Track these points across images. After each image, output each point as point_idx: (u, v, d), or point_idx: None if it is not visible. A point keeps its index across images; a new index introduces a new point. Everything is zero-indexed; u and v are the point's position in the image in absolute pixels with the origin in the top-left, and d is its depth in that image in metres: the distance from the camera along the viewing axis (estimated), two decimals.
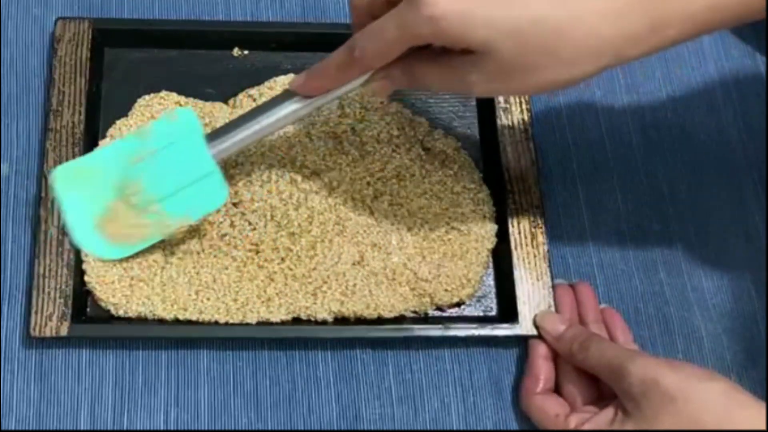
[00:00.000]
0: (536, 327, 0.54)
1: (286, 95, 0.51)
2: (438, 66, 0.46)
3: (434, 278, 0.55)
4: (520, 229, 0.56)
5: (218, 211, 0.55)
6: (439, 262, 0.55)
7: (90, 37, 0.58)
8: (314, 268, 0.55)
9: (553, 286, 0.55)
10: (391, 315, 0.54)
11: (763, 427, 0.44)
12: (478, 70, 0.44)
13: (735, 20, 0.45)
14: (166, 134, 0.53)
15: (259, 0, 0.63)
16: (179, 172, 0.53)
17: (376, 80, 0.49)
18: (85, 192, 0.53)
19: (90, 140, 0.57)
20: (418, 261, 0.55)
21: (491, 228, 0.57)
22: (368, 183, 0.57)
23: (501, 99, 0.60)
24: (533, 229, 0.56)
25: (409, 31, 0.44)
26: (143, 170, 0.53)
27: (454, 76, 0.46)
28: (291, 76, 0.58)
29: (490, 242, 0.57)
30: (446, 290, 0.55)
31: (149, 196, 0.53)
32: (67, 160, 0.55)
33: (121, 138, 0.55)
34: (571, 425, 0.50)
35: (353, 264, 0.55)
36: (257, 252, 0.55)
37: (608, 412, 0.48)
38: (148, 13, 0.62)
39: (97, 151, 0.55)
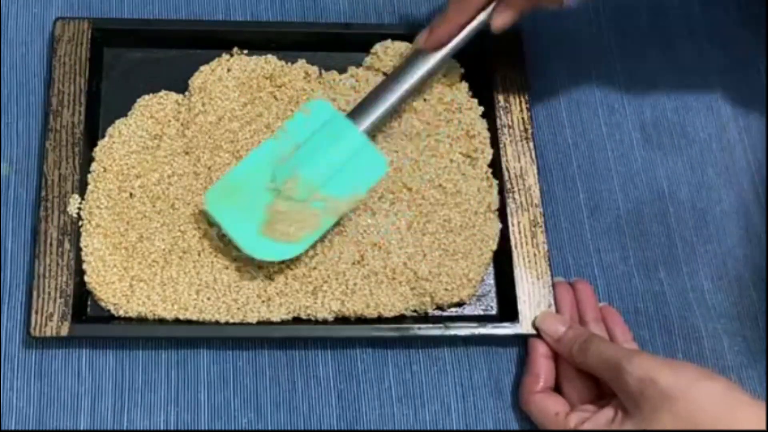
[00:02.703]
0: (536, 328, 0.54)
1: (413, 56, 0.55)
2: None
3: (434, 277, 0.55)
4: (520, 228, 0.56)
5: None
6: (440, 261, 0.55)
7: (89, 37, 0.58)
8: (314, 268, 0.55)
9: (553, 285, 0.55)
10: (392, 314, 0.54)
11: (763, 427, 0.44)
12: None
13: None
14: (304, 128, 0.55)
15: (259, 0, 0.63)
16: (331, 155, 0.54)
17: (498, 12, 0.53)
18: (240, 204, 0.53)
19: (90, 140, 0.57)
20: (418, 260, 0.55)
21: (496, 228, 0.57)
22: None
23: (501, 99, 0.60)
24: (533, 228, 0.56)
25: None
26: (294, 165, 0.54)
27: None
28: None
29: (494, 242, 0.57)
30: (446, 290, 0.55)
31: (309, 186, 0.53)
32: (67, 160, 0.55)
33: (257, 147, 0.56)
34: (571, 424, 0.50)
35: (353, 263, 0.55)
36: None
37: (608, 412, 0.48)
38: (148, 13, 0.62)
39: (239, 164, 0.55)
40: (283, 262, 0.54)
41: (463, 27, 0.54)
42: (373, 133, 0.56)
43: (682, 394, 0.45)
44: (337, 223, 0.55)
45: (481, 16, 0.54)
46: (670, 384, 0.45)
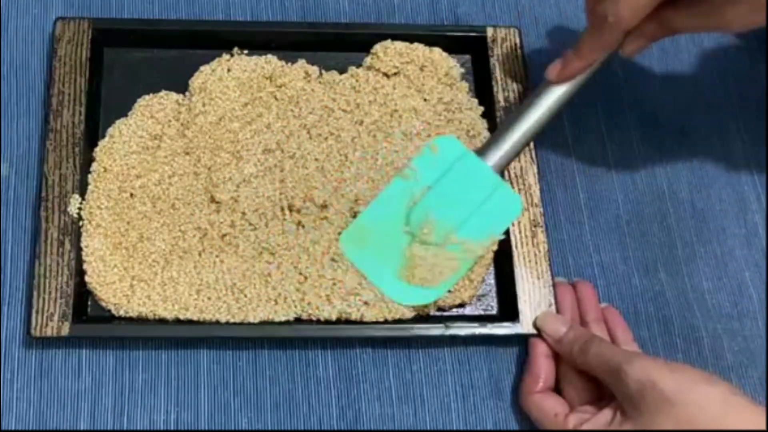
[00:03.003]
0: (537, 329, 0.54)
1: (542, 88, 0.54)
2: (695, 8, 0.48)
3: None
4: (520, 228, 0.56)
5: (218, 211, 0.55)
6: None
7: (90, 37, 0.58)
8: (318, 268, 0.55)
9: (554, 285, 0.55)
10: (396, 317, 0.54)
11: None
12: (735, 3, 0.45)
13: None
14: (434, 167, 0.55)
15: (259, 0, 0.63)
16: (465, 195, 0.54)
17: (631, 41, 0.51)
18: (375, 247, 0.54)
19: (90, 140, 0.57)
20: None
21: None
22: (372, 181, 0.57)
23: (501, 98, 0.60)
24: (533, 228, 0.56)
25: None
26: (428, 207, 0.54)
27: (712, 15, 0.48)
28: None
29: (495, 244, 0.57)
30: (449, 291, 0.55)
31: (445, 229, 0.53)
32: (67, 160, 0.55)
33: (387, 186, 0.56)
34: (570, 425, 0.50)
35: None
36: (260, 253, 0.55)
37: (607, 413, 0.48)
38: (148, 13, 0.62)
39: (370, 205, 0.55)
40: (284, 261, 0.54)
41: (597, 57, 0.53)
42: (503, 169, 0.55)
43: (682, 398, 0.45)
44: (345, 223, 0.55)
45: (611, 48, 0.53)
46: (670, 387, 0.45)
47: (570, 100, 0.55)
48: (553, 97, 0.54)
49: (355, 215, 0.56)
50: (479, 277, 0.56)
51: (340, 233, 0.55)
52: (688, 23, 0.50)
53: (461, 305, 0.56)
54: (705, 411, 0.44)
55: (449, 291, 0.55)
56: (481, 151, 0.55)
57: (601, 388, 0.51)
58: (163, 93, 0.59)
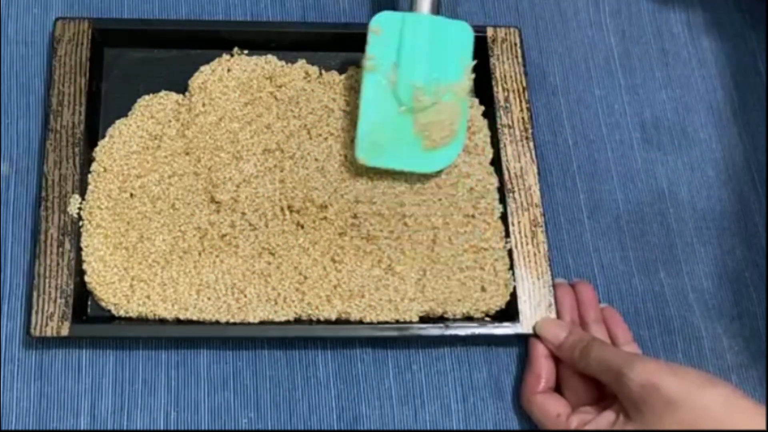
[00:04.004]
0: (537, 335, 0.54)
1: None
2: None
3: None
4: (520, 227, 0.56)
5: (218, 211, 0.55)
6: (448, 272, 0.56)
7: (90, 37, 0.58)
8: (318, 269, 0.55)
9: (554, 286, 0.55)
10: (396, 318, 0.54)
11: None
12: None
13: None
14: (387, 45, 0.56)
15: (258, 0, 0.63)
16: (425, 49, 0.56)
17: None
18: (390, 141, 0.55)
19: (90, 140, 0.57)
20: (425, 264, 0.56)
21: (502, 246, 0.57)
22: (372, 181, 0.57)
23: (501, 98, 0.60)
24: (533, 228, 0.56)
25: None
26: (406, 78, 0.55)
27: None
28: None
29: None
30: (483, 290, 0.55)
31: (429, 87, 0.55)
32: (67, 160, 0.55)
33: (362, 86, 0.56)
34: (572, 426, 0.50)
35: (360, 267, 0.55)
36: (259, 253, 0.55)
37: (609, 415, 0.48)
38: (148, 13, 0.62)
39: (361, 111, 0.56)
40: (284, 262, 0.54)
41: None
42: (437, 6, 0.57)
43: (684, 401, 0.45)
44: (352, 225, 0.55)
45: None
46: (673, 390, 0.45)
47: None
48: None
49: (355, 215, 0.56)
50: (508, 280, 0.56)
51: (340, 233, 0.55)
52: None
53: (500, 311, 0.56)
54: (708, 413, 0.44)
55: (482, 290, 0.55)
56: (413, 4, 0.57)
57: (602, 389, 0.51)
58: (163, 93, 0.59)
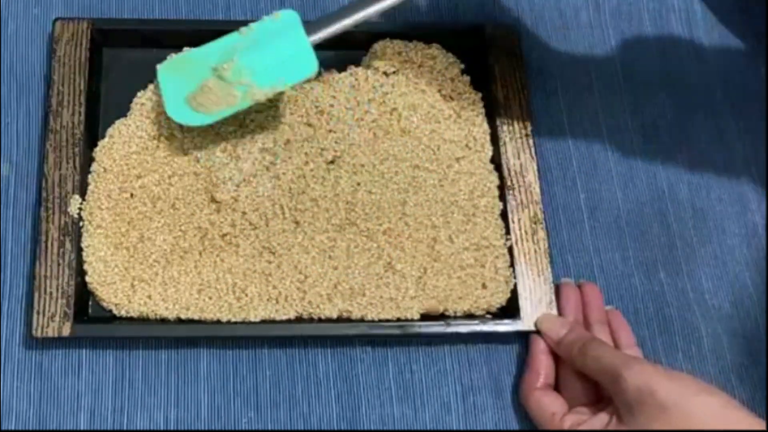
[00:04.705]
0: (537, 330, 0.54)
1: None
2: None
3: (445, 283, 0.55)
4: (520, 225, 0.57)
5: (218, 210, 0.55)
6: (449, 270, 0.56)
7: (89, 37, 0.58)
8: (318, 267, 0.55)
9: (560, 285, 0.55)
10: (397, 316, 0.54)
11: None
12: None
13: None
14: (267, 31, 0.57)
15: (258, 0, 0.63)
16: (274, 51, 0.56)
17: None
18: (183, 75, 0.56)
19: (90, 140, 0.57)
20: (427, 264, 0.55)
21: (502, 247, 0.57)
22: (383, 186, 0.57)
23: (500, 96, 0.60)
24: (533, 225, 0.57)
25: None
26: (240, 51, 0.56)
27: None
28: None
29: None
30: (482, 287, 0.55)
31: (242, 71, 0.55)
32: (67, 160, 0.55)
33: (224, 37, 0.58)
34: (566, 425, 0.50)
35: (361, 265, 0.55)
36: (260, 252, 0.55)
37: (603, 417, 0.48)
38: (148, 13, 0.62)
39: (201, 47, 0.58)
40: (285, 262, 0.54)
41: None
42: (322, 46, 0.57)
43: (678, 407, 0.45)
44: (349, 225, 0.55)
45: None
46: (668, 395, 0.45)
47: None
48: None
49: (354, 213, 0.56)
50: (509, 278, 0.56)
51: (339, 231, 0.55)
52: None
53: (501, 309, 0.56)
54: (701, 421, 0.44)
55: (483, 287, 0.55)
56: (311, 24, 0.57)
57: (599, 390, 0.51)
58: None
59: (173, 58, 0.58)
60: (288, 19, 0.57)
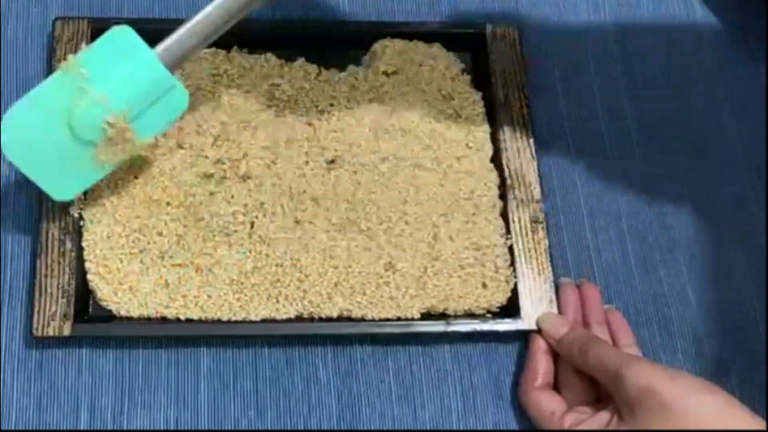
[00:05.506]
0: (538, 328, 0.54)
1: None
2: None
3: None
4: (520, 224, 0.57)
5: (219, 210, 0.55)
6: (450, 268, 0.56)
7: (89, 36, 0.58)
8: (318, 266, 0.55)
9: (559, 285, 0.55)
10: (398, 315, 0.54)
11: None
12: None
13: None
14: (104, 62, 0.49)
15: None
16: (138, 94, 0.50)
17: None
18: (43, 147, 0.50)
19: None
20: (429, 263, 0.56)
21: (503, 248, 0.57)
22: (383, 186, 0.57)
23: (500, 96, 0.60)
24: (533, 224, 0.57)
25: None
26: (102, 105, 0.49)
27: None
28: None
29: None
30: (483, 287, 0.56)
31: (119, 125, 0.49)
32: None
33: (48, 82, 0.49)
34: (566, 424, 0.50)
35: (361, 265, 0.55)
36: (260, 251, 0.55)
37: (604, 415, 0.48)
38: (148, 13, 0.62)
39: (27, 98, 0.49)
40: (286, 261, 0.54)
41: None
42: (176, 63, 0.51)
43: (679, 406, 0.44)
44: (351, 225, 0.56)
45: None
46: (669, 394, 0.45)
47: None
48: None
49: (355, 212, 0.56)
50: (509, 277, 0.56)
51: (340, 230, 0.55)
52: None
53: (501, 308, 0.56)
54: (702, 420, 0.44)
55: (483, 286, 0.55)
56: (160, 48, 0.50)
57: (599, 389, 0.51)
58: None
59: (6, 130, 0.49)
60: (126, 42, 0.49)
